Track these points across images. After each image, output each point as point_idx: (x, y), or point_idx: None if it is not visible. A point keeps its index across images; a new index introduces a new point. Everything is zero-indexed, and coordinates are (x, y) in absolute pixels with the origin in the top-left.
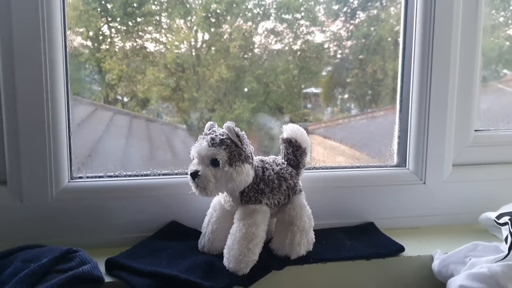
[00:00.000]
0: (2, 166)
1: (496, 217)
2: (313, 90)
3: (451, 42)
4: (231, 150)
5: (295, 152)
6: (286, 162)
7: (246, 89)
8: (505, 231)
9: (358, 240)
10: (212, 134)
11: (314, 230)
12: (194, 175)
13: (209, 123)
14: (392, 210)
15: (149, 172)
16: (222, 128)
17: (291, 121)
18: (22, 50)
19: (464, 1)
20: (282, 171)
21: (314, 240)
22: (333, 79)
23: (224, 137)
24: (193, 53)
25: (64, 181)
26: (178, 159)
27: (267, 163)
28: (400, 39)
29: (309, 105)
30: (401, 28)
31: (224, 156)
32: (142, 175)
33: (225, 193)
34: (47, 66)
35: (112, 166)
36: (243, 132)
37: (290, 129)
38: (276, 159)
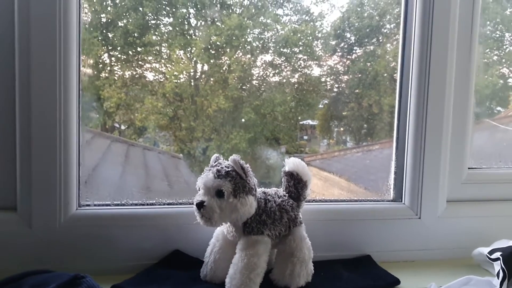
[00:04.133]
0: (13, 192)
1: (489, 253)
2: (309, 122)
3: (446, 83)
4: (236, 182)
5: (296, 185)
6: (287, 195)
7: (243, 120)
8: (497, 266)
9: (355, 272)
10: (218, 166)
11: (313, 262)
12: (200, 205)
13: (215, 155)
14: (388, 244)
15: (154, 201)
16: (228, 160)
17: (287, 152)
18: (38, 78)
19: (458, 41)
20: (284, 203)
21: (313, 271)
22: (329, 112)
23: (229, 169)
24: (192, 83)
25: (72, 209)
26: (174, 188)
27: (269, 195)
28: (397, 78)
29: (305, 137)
30: (398, 67)
31: (229, 187)
32: (147, 204)
33: (228, 223)
34: (61, 96)
35: (108, 194)
36: (248, 165)
37: (292, 163)
38: (278, 191)
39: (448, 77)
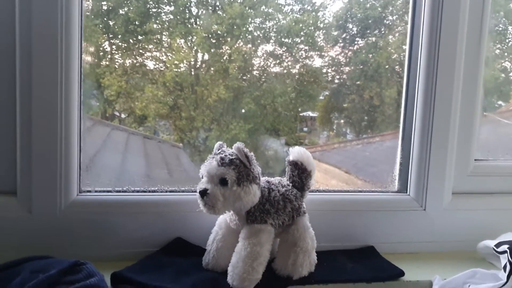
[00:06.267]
0: (13, 177)
1: (495, 245)
2: (310, 113)
3: (454, 74)
4: (240, 170)
5: (301, 175)
6: (291, 184)
7: (243, 110)
8: (503, 259)
9: (359, 263)
10: (222, 154)
11: (316, 252)
12: (203, 193)
13: (218, 143)
14: (393, 235)
15: (156, 188)
16: (232, 148)
17: (287, 144)
18: (39, 65)
19: (468, 33)
20: (287, 192)
21: (316, 261)
22: (330, 104)
23: (233, 157)
24: (192, 73)
25: (73, 194)
26: (174, 177)
27: (273, 184)
28: (405, 68)
29: (305, 128)
30: (406, 57)
31: (233, 175)
32: (149, 191)
33: (231, 212)
34: (63, 80)
35: (108, 181)
36: (252, 153)
37: (296, 152)
38: (282, 180)
39: (456, 67)
